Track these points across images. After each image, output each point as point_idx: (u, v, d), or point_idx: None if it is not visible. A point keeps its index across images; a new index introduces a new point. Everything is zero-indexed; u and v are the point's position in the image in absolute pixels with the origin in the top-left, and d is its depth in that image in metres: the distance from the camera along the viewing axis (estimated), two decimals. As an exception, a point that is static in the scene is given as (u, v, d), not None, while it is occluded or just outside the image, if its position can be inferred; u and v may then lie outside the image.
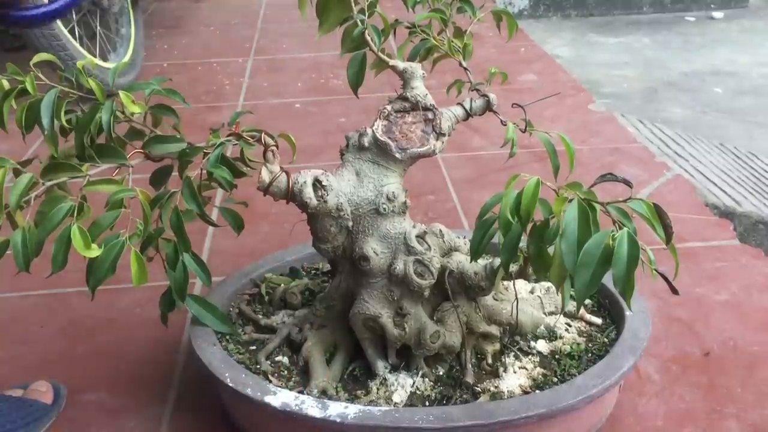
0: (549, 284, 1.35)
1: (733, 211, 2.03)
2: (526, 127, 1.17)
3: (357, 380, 1.22)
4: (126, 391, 1.40)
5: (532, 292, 1.35)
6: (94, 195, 1.10)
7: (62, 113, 1.08)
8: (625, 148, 2.46)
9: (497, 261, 1.10)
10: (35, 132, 1.08)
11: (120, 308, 1.65)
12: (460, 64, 1.22)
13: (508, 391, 1.16)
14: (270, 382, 1.18)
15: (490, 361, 1.23)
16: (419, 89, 1.14)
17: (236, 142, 1.15)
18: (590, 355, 1.24)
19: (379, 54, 1.15)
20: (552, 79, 3.17)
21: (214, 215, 1.44)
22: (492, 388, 1.17)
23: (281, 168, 1.10)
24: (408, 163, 1.15)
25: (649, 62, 3.60)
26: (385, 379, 1.19)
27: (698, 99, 3.08)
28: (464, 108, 1.18)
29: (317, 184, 1.11)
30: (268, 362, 1.24)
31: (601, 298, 1.36)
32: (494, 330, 1.24)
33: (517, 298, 1.21)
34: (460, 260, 1.17)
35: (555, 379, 1.19)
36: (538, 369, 1.21)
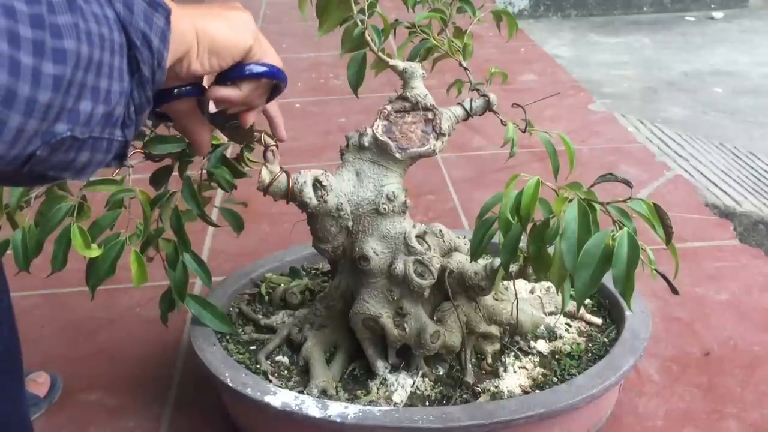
0: (549, 284, 1.35)
1: (733, 211, 2.03)
2: (526, 127, 1.17)
3: (357, 380, 1.22)
4: (126, 391, 1.40)
5: (532, 292, 1.35)
6: (94, 195, 1.10)
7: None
8: (625, 148, 2.46)
9: (497, 261, 1.10)
10: (35, 132, 1.08)
11: (120, 308, 1.65)
12: (460, 64, 1.22)
13: (508, 391, 1.16)
14: (270, 382, 1.18)
15: (490, 361, 1.23)
16: (419, 89, 1.14)
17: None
18: (590, 355, 1.24)
19: (379, 54, 1.15)
20: (552, 79, 3.17)
21: (215, 215, 1.44)
22: (492, 388, 1.17)
23: (281, 168, 1.10)
24: (408, 163, 1.15)
25: (649, 62, 3.60)
26: (385, 379, 1.19)
27: (698, 99, 3.08)
28: (464, 108, 1.17)
29: (317, 184, 1.11)
30: (268, 362, 1.24)
31: (601, 298, 1.36)
32: (494, 330, 1.24)
33: (517, 298, 1.21)
34: (460, 260, 1.17)
35: (555, 379, 1.19)
36: (538, 369, 1.21)
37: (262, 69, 0.74)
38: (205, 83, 0.76)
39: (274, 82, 0.78)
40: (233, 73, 0.73)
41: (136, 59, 0.52)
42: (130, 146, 0.56)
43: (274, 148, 1.08)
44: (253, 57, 0.73)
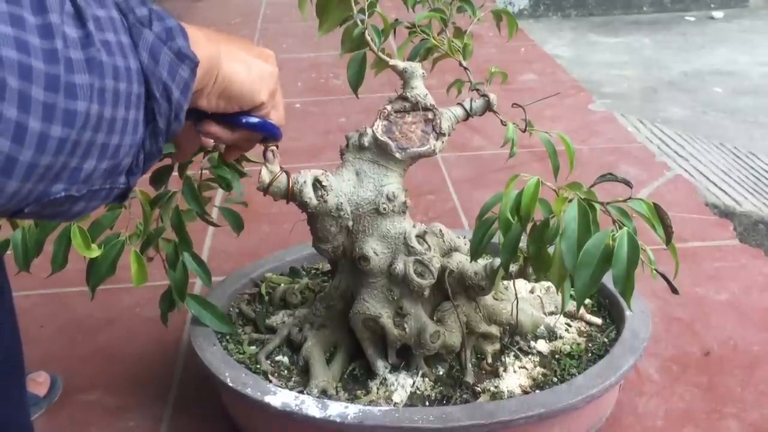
0: (549, 284, 1.35)
1: (733, 211, 2.03)
2: (526, 126, 1.17)
3: (357, 380, 1.22)
4: (126, 391, 1.40)
5: (532, 292, 1.35)
6: (94, 195, 1.09)
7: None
8: (625, 148, 2.46)
9: (497, 261, 1.10)
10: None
11: (120, 308, 1.65)
12: (460, 64, 1.22)
13: (508, 391, 1.16)
14: (270, 382, 1.18)
15: (490, 360, 1.23)
16: (419, 89, 1.14)
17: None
18: (590, 355, 1.24)
19: (379, 54, 1.15)
20: (552, 79, 3.17)
21: (214, 215, 1.44)
22: (492, 388, 1.17)
23: (281, 168, 1.10)
24: (408, 163, 1.15)
25: (649, 62, 3.60)
26: (385, 379, 1.19)
27: (698, 99, 3.08)
28: (464, 108, 1.17)
29: (317, 184, 1.11)
30: (268, 362, 1.24)
31: (601, 298, 1.36)
32: (494, 330, 1.24)
33: (517, 298, 1.21)
34: (460, 260, 1.17)
35: (555, 379, 1.19)
36: (538, 369, 1.21)
37: (255, 122, 0.75)
38: None
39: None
40: (231, 118, 0.73)
41: (152, 110, 0.51)
42: (132, 189, 0.54)
43: (274, 148, 1.08)
44: (260, 111, 0.73)
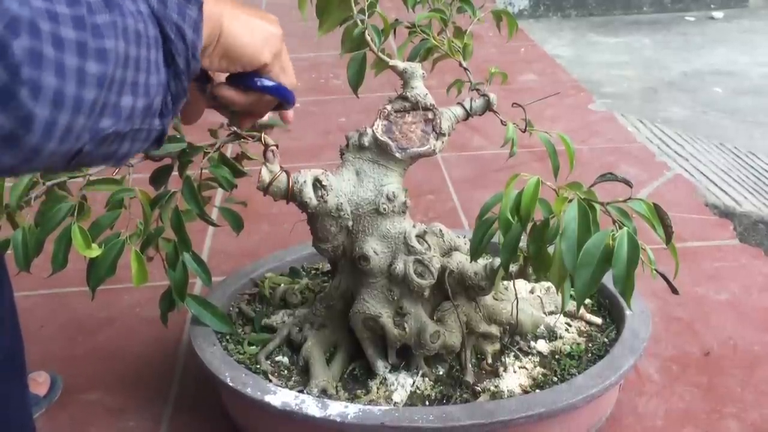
0: (549, 284, 1.35)
1: (733, 211, 2.03)
2: (526, 126, 1.17)
3: (357, 380, 1.22)
4: (126, 391, 1.40)
5: (532, 292, 1.35)
6: (94, 195, 1.10)
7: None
8: (625, 148, 2.46)
9: (497, 261, 1.10)
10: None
11: (120, 308, 1.65)
12: (460, 64, 1.22)
13: (508, 391, 1.16)
14: (270, 381, 1.18)
15: (490, 360, 1.23)
16: (419, 89, 1.14)
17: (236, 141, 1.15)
18: (590, 355, 1.24)
19: (379, 54, 1.15)
20: (552, 79, 3.17)
21: (214, 215, 1.44)
22: (492, 388, 1.17)
23: (281, 167, 1.10)
24: (408, 162, 1.15)
25: (649, 62, 3.60)
26: (385, 378, 1.19)
27: (698, 99, 3.08)
28: (464, 108, 1.17)
29: (317, 183, 1.11)
30: (268, 362, 1.24)
31: (601, 298, 1.36)
32: (494, 330, 1.24)
33: (517, 298, 1.21)
34: (460, 260, 1.17)
35: (555, 379, 1.19)
36: (538, 369, 1.21)
37: (270, 84, 0.76)
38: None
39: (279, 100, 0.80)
40: (245, 80, 0.74)
41: (171, 52, 0.54)
42: (167, 133, 0.57)
43: (274, 147, 1.08)
44: (268, 72, 0.75)
